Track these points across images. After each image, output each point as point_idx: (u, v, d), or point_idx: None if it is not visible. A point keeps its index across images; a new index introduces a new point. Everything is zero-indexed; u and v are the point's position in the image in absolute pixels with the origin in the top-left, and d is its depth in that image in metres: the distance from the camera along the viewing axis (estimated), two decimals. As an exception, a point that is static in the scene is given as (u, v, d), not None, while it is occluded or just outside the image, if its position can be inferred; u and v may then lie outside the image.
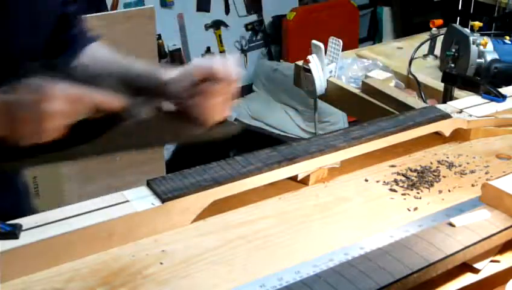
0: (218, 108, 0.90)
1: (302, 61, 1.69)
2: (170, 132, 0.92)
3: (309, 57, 1.64)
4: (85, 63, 0.91)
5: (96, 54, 1.04)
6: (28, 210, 1.03)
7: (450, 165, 1.08)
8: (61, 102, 0.79)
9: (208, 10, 3.95)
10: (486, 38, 1.63)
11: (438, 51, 1.81)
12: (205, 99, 0.88)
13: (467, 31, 1.67)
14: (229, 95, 0.90)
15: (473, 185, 1.02)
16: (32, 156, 0.83)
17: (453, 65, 1.65)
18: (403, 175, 1.04)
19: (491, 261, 0.83)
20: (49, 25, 1.02)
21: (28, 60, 0.94)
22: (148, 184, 0.90)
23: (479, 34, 1.68)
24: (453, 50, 1.65)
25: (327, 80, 1.65)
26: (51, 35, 1.03)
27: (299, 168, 0.98)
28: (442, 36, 1.77)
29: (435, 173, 1.05)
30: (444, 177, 1.04)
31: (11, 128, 0.79)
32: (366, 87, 1.55)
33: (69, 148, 0.84)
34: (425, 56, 1.85)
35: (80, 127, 0.83)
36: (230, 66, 0.89)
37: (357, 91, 1.59)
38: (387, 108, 1.47)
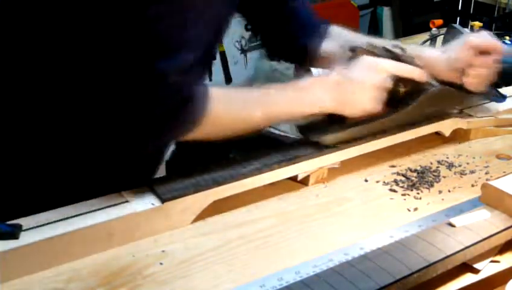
0: (487, 77, 1.08)
1: (302, 62, 1.68)
2: (456, 99, 1.12)
3: (309, 57, 1.64)
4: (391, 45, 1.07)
5: (350, 36, 1.17)
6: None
7: (450, 166, 1.08)
8: (389, 76, 0.98)
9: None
10: (486, 39, 1.62)
11: (438, 51, 1.80)
12: (481, 70, 1.06)
13: (467, 31, 1.67)
14: (495, 64, 1.08)
15: (472, 185, 1.02)
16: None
17: (453, 65, 1.64)
18: (403, 175, 1.04)
19: (491, 261, 0.83)
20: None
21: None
22: (148, 184, 0.90)
23: (479, 34, 1.68)
24: (453, 50, 1.65)
25: (327, 80, 1.65)
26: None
27: (299, 168, 0.98)
28: (442, 36, 1.77)
29: (435, 173, 1.05)
30: (444, 177, 1.04)
31: (349, 101, 0.97)
32: (366, 88, 1.55)
33: (382, 118, 1.02)
34: (425, 56, 1.85)
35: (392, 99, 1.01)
36: (494, 39, 1.08)
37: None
38: (388, 108, 1.47)
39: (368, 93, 0.98)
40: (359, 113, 1.00)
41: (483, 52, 1.07)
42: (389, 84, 0.99)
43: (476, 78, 1.08)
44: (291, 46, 1.20)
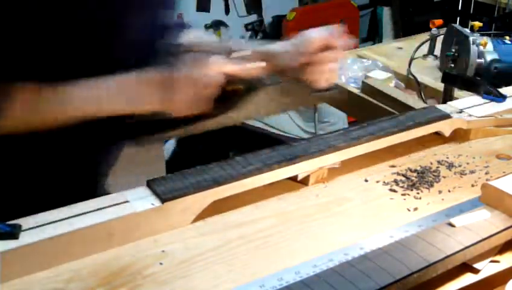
0: (329, 73, 1.04)
1: (302, 62, 1.68)
2: (296, 97, 1.06)
3: (309, 57, 1.64)
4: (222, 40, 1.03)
5: (201, 37, 1.13)
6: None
7: (450, 166, 1.08)
8: (219, 73, 0.92)
9: (207, 10, 3.95)
10: (486, 39, 1.62)
11: (438, 51, 1.81)
12: (319, 66, 1.02)
13: (467, 31, 1.67)
14: (337, 61, 1.04)
15: (472, 186, 1.02)
16: (177, 127, 0.96)
17: (453, 65, 1.64)
18: (403, 175, 1.04)
19: (491, 261, 0.83)
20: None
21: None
22: (148, 184, 0.90)
23: (479, 34, 1.68)
24: (453, 50, 1.65)
25: (327, 80, 1.65)
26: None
27: (299, 168, 0.98)
28: (442, 36, 1.77)
29: (435, 173, 1.05)
30: (443, 177, 1.04)
31: (177, 99, 0.91)
32: (366, 88, 1.55)
33: (214, 117, 0.97)
34: (425, 56, 1.85)
35: (224, 97, 0.95)
36: (338, 36, 1.03)
37: (357, 91, 1.58)
38: (387, 108, 1.47)
39: (195, 91, 0.92)
40: (186, 112, 0.94)
41: (325, 48, 1.02)
42: (219, 81, 0.92)
43: (315, 75, 1.03)
44: None
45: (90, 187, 1.10)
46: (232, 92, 0.96)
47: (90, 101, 0.92)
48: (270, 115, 1.07)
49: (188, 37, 1.12)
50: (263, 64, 0.97)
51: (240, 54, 0.98)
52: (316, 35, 1.03)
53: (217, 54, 0.95)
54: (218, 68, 0.93)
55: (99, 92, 0.92)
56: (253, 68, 0.97)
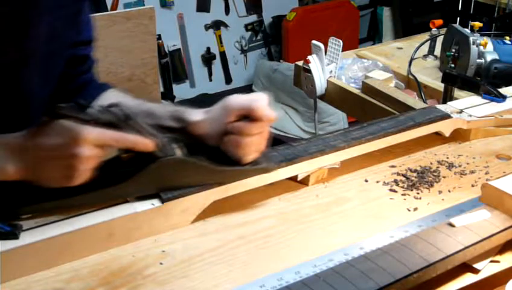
0: (254, 146, 0.91)
1: (302, 62, 1.69)
2: (204, 172, 0.90)
3: (309, 57, 1.64)
4: (113, 105, 0.87)
5: (115, 99, 0.97)
6: None
7: (450, 166, 1.08)
8: (92, 146, 0.80)
9: (207, 10, 3.95)
10: (486, 39, 1.63)
11: (438, 51, 1.81)
12: (241, 137, 0.89)
13: (467, 31, 1.67)
14: (264, 134, 0.91)
15: (473, 186, 1.02)
16: (54, 199, 0.83)
17: (453, 65, 1.65)
18: (403, 175, 1.04)
19: (491, 261, 0.83)
20: (59, 67, 0.99)
21: (39, 102, 0.94)
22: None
23: (479, 35, 1.68)
24: (453, 50, 1.65)
25: (327, 80, 1.65)
26: (60, 78, 1.00)
27: (299, 169, 0.98)
28: (442, 36, 1.77)
29: (435, 174, 1.05)
30: (444, 177, 1.04)
31: (39, 170, 0.80)
32: (366, 88, 1.55)
33: (95, 190, 0.84)
34: (425, 56, 1.85)
35: (110, 168, 0.84)
36: (265, 105, 0.90)
37: (357, 91, 1.59)
38: (387, 108, 1.47)
39: (59, 163, 0.80)
40: (53, 185, 0.82)
41: (245, 116, 0.90)
42: (88, 154, 0.80)
43: (232, 147, 0.90)
44: None
45: None
46: (125, 163, 0.86)
47: None
48: (166, 190, 0.91)
49: (107, 97, 1.02)
50: (150, 146, 0.84)
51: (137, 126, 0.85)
52: (236, 102, 0.91)
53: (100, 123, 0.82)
54: (87, 140, 0.79)
55: None
56: (136, 141, 0.84)
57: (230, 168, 0.91)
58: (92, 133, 0.80)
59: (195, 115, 0.94)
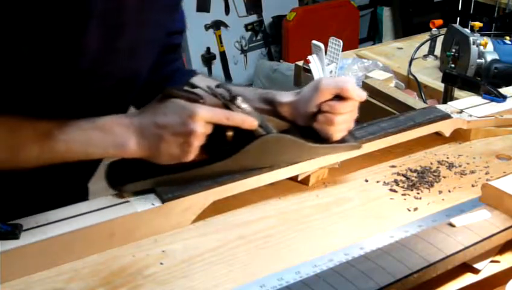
0: (345, 124, 0.98)
1: (302, 62, 1.69)
2: (298, 148, 0.96)
3: (309, 57, 1.64)
4: (219, 86, 0.93)
5: (204, 83, 0.99)
6: None
7: (450, 166, 1.08)
8: (205, 123, 0.85)
9: (207, 10, 3.95)
10: (486, 39, 1.63)
11: (438, 51, 1.81)
12: (334, 115, 0.95)
13: (467, 31, 1.67)
14: (354, 113, 0.98)
15: (473, 186, 1.02)
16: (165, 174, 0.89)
17: (453, 65, 1.65)
18: (403, 175, 1.04)
19: (491, 261, 0.83)
20: (153, 54, 1.01)
21: (125, 86, 0.97)
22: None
23: (479, 34, 1.68)
24: (453, 50, 1.65)
25: (327, 80, 1.65)
26: (155, 65, 1.03)
27: (299, 169, 0.98)
28: (442, 36, 1.77)
29: (435, 174, 1.05)
30: (444, 177, 1.04)
31: (159, 147, 0.85)
32: (366, 88, 1.55)
33: (204, 166, 0.90)
34: (425, 56, 1.85)
35: (216, 144, 0.89)
36: (355, 86, 0.96)
37: (357, 91, 1.58)
38: (387, 108, 1.47)
39: (177, 140, 0.85)
40: (168, 161, 0.87)
41: (337, 96, 0.96)
42: (202, 131, 0.85)
43: (325, 125, 0.96)
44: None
45: (85, 189, 1.10)
46: (228, 141, 0.90)
47: (75, 144, 0.85)
48: (274, 168, 0.96)
49: (196, 80, 1.06)
50: (255, 123, 0.90)
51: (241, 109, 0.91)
52: (329, 83, 0.96)
53: (206, 102, 0.88)
54: (200, 118, 0.85)
55: (83, 134, 0.86)
56: (244, 119, 0.89)
57: (323, 145, 0.98)
58: (205, 111, 0.85)
59: (286, 97, 1.01)
